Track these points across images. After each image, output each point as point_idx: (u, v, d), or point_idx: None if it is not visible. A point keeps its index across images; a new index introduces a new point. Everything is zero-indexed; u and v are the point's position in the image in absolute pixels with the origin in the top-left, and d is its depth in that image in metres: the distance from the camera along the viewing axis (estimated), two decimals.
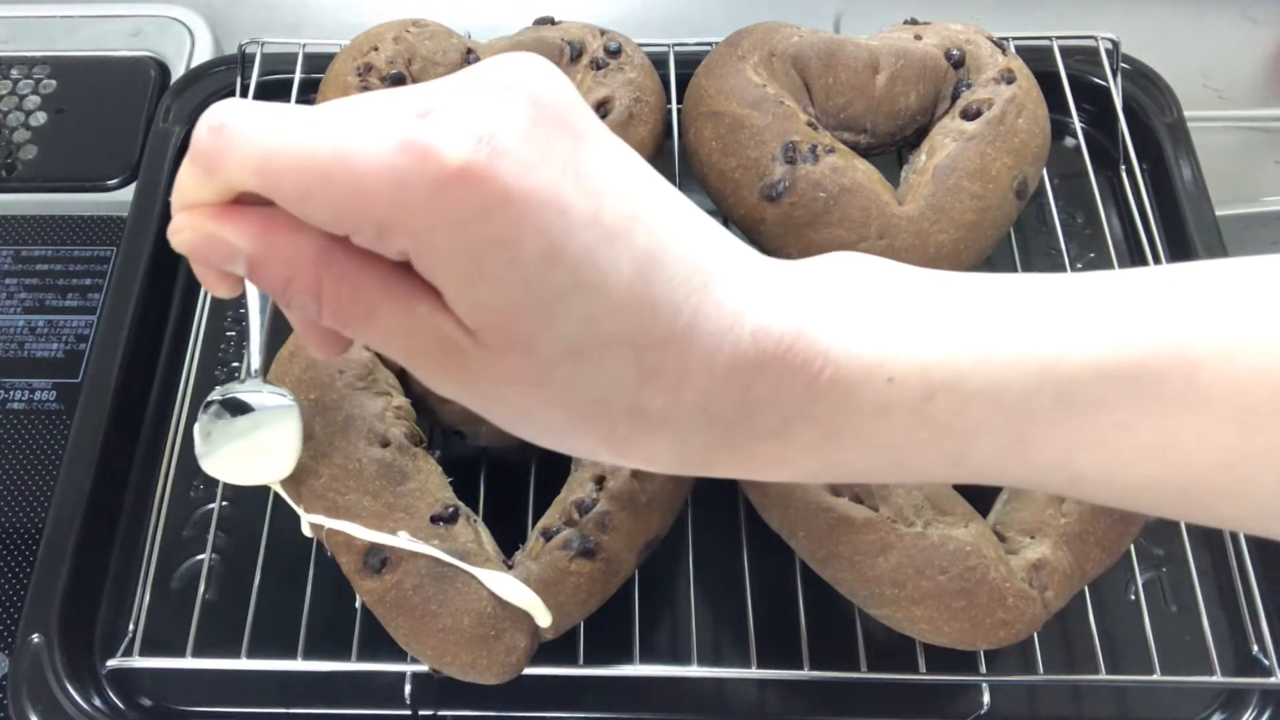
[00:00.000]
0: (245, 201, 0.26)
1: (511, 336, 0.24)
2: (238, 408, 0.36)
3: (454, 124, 0.23)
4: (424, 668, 0.44)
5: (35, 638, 0.48)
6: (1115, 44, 0.64)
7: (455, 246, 0.23)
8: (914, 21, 0.60)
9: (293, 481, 0.44)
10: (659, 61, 0.60)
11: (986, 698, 0.47)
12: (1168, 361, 0.26)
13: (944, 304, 0.27)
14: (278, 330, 0.37)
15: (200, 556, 0.50)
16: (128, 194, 0.63)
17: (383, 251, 0.24)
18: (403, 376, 0.49)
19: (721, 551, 0.50)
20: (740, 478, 0.29)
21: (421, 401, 0.48)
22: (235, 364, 0.58)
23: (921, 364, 0.26)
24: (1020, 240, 0.61)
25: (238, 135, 0.24)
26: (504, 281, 0.24)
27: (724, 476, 0.29)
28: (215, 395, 0.36)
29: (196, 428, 0.35)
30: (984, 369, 0.26)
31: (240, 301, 0.60)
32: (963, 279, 0.28)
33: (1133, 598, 0.50)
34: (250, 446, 0.36)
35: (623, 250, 0.24)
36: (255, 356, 0.34)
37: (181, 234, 0.26)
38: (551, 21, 0.59)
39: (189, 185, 0.26)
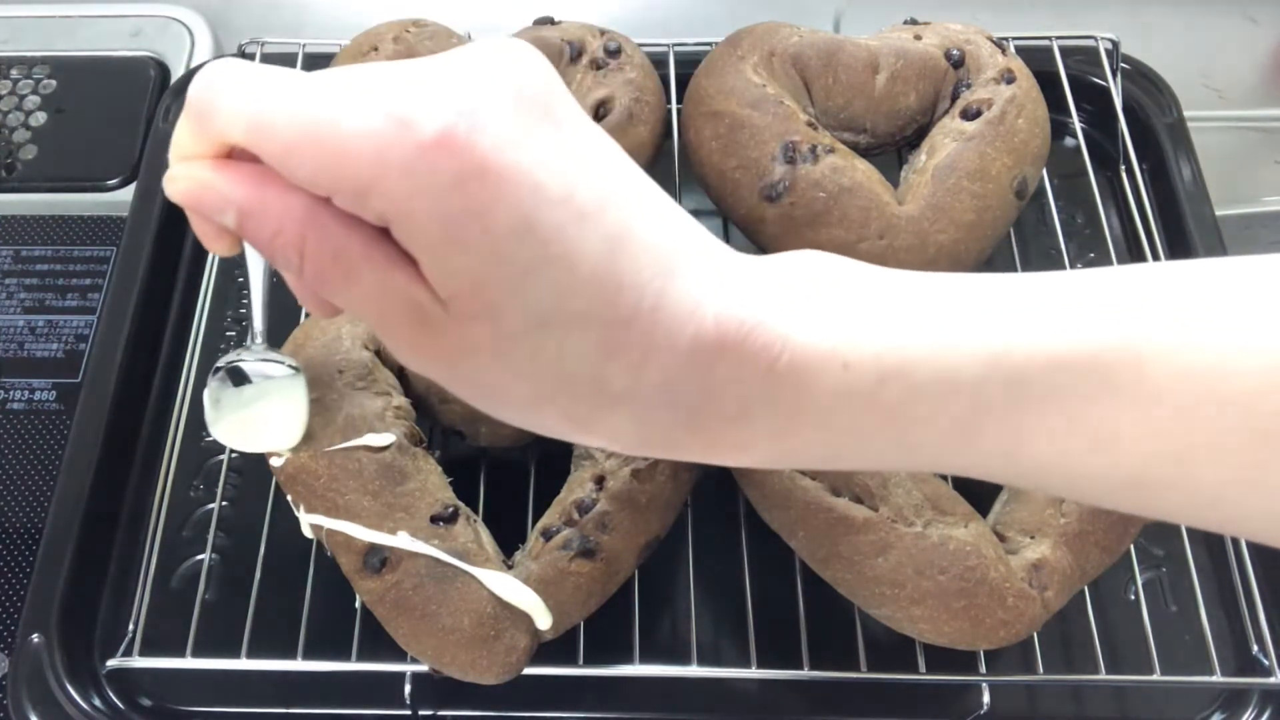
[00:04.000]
0: (238, 159, 0.27)
1: (480, 305, 0.25)
2: (243, 375, 0.36)
3: (437, 98, 0.24)
4: (424, 668, 0.44)
5: (35, 638, 0.48)
6: (1115, 44, 0.64)
7: (431, 214, 0.24)
8: (914, 21, 0.60)
9: (293, 481, 0.44)
10: (659, 61, 0.60)
11: (986, 698, 0.47)
12: (1118, 355, 0.27)
13: (900, 298, 0.28)
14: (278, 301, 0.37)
15: (200, 556, 0.50)
16: (128, 194, 0.63)
17: (362, 214, 0.25)
18: (402, 376, 0.49)
19: (721, 551, 0.50)
20: (702, 460, 0.30)
21: (422, 401, 0.49)
22: None
23: (875, 352, 0.27)
24: (1020, 240, 0.61)
25: (229, 90, 0.25)
26: (476, 251, 0.24)
27: (687, 459, 0.30)
28: (222, 362, 0.36)
29: (206, 394, 0.36)
30: (935, 359, 0.27)
31: (239, 303, 0.60)
32: (923, 277, 0.29)
33: (1133, 598, 0.50)
34: (258, 415, 0.36)
35: (592, 230, 0.25)
36: (258, 320, 0.34)
37: (176, 183, 0.27)
38: (551, 21, 0.59)
39: (184, 138, 0.27)
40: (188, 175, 0.27)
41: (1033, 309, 0.28)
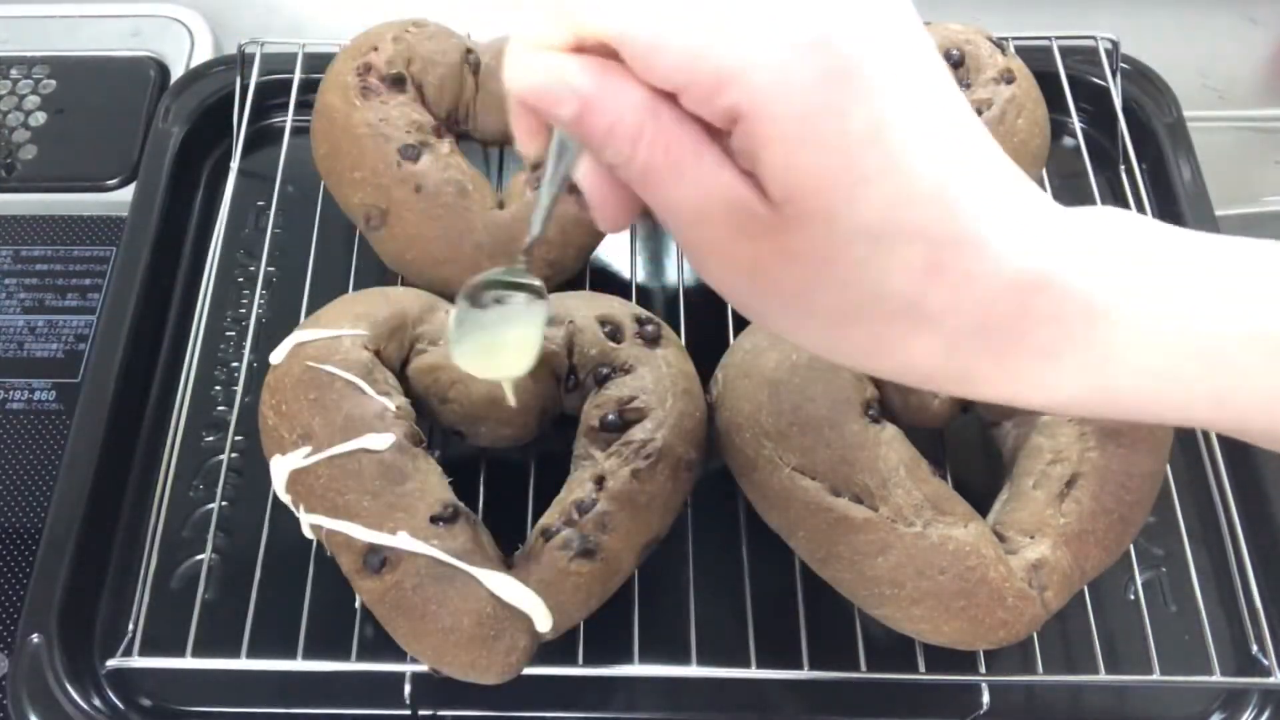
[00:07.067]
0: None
1: (818, 207, 0.25)
2: (493, 294, 0.36)
3: (809, 2, 0.25)
4: (424, 668, 0.44)
5: (35, 638, 0.48)
6: (1115, 44, 0.64)
7: (790, 108, 0.25)
8: None
9: (293, 481, 0.44)
10: None
11: (986, 697, 0.47)
12: None
13: (1215, 252, 0.29)
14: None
15: (200, 556, 0.50)
16: (127, 194, 0.63)
17: (706, 111, 0.26)
18: (402, 377, 0.49)
19: (721, 551, 0.50)
20: (1001, 396, 0.30)
21: (422, 401, 0.49)
22: (235, 364, 0.58)
23: (1196, 303, 0.28)
24: None
25: None
26: (827, 149, 0.25)
27: (984, 395, 0.30)
28: (474, 279, 0.36)
29: (452, 314, 0.36)
30: (1256, 311, 0.28)
31: (239, 303, 0.60)
32: (1224, 240, 0.30)
33: (1132, 598, 0.50)
34: (496, 341, 0.36)
35: (939, 149, 0.26)
36: (535, 231, 0.34)
37: (528, 72, 0.27)
38: None
39: (538, 28, 0.27)
40: (539, 64, 0.27)
41: None
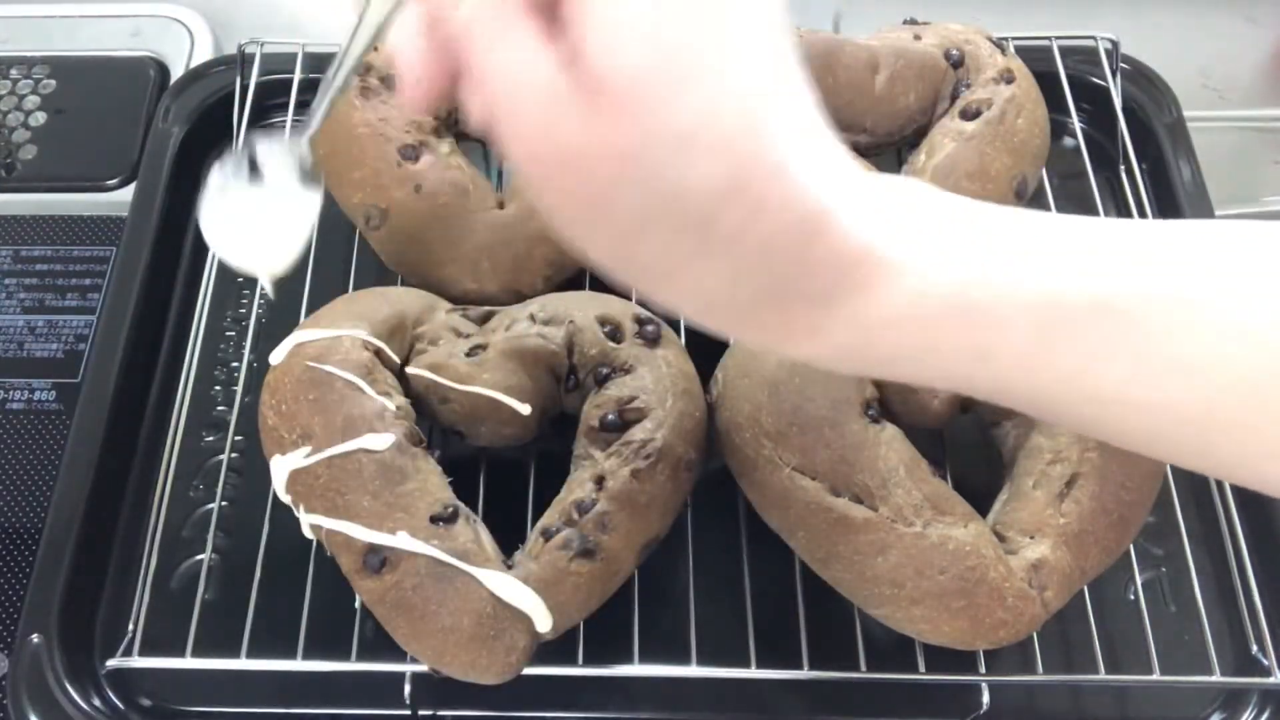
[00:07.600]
0: None
1: (629, 100, 0.25)
2: (259, 169, 0.32)
3: None
4: (424, 668, 0.44)
5: (35, 638, 0.48)
6: (1115, 44, 0.64)
7: None
8: (914, 21, 0.60)
9: (293, 481, 0.44)
10: None
11: (986, 697, 0.47)
12: (1200, 289, 0.29)
13: (995, 221, 0.30)
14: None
15: (200, 556, 0.50)
16: (127, 194, 0.63)
17: None
18: (402, 377, 0.49)
19: (721, 551, 0.50)
20: (773, 344, 0.30)
21: (421, 401, 0.49)
22: (235, 364, 0.58)
23: (964, 259, 0.29)
24: None
25: None
26: (654, 43, 0.25)
27: (758, 339, 0.30)
28: (242, 143, 0.33)
29: (213, 173, 0.31)
30: (1020, 273, 0.29)
31: (239, 303, 0.60)
32: (1014, 210, 0.31)
33: (1132, 598, 0.50)
34: (257, 223, 0.32)
35: (762, 72, 0.26)
36: (318, 116, 0.31)
37: None
38: None
39: None
40: None
41: (1119, 243, 0.30)
